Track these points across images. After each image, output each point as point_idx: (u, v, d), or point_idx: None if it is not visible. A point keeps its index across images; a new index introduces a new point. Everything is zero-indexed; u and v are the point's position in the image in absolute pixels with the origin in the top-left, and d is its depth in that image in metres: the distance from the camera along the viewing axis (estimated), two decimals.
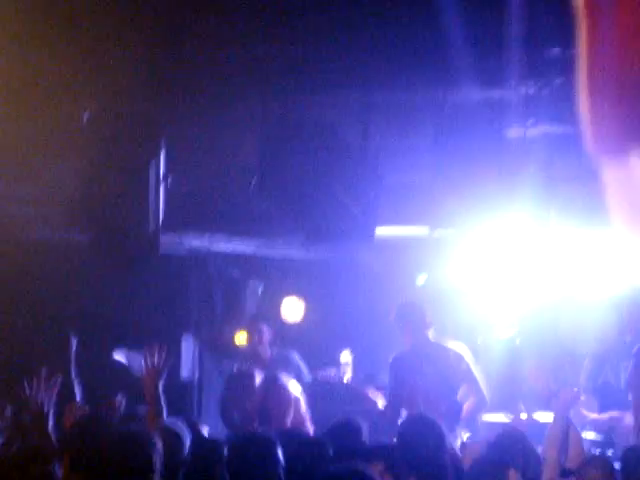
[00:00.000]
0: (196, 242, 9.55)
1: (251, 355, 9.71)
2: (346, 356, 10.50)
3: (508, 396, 9.17)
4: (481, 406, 8.79)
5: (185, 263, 9.66)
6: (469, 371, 8.72)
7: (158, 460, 5.25)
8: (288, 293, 10.58)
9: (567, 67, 6.16)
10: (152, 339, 9.61)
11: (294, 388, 8.31)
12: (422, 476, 5.67)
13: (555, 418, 6.52)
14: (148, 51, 6.17)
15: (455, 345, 8.88)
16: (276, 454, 5.51)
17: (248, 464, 5.44)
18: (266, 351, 9.72)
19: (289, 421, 8.11)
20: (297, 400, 8.30)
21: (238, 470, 5.46)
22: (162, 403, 6.39)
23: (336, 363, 10.45)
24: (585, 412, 9.19)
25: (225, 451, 5.67)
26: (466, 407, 8.74)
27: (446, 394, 8.52)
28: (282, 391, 8.19)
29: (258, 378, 8.40)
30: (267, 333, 9.80)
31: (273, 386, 8.21)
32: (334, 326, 10.14)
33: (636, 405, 9.23)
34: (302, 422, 8.26)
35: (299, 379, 9.32)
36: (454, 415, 8.47)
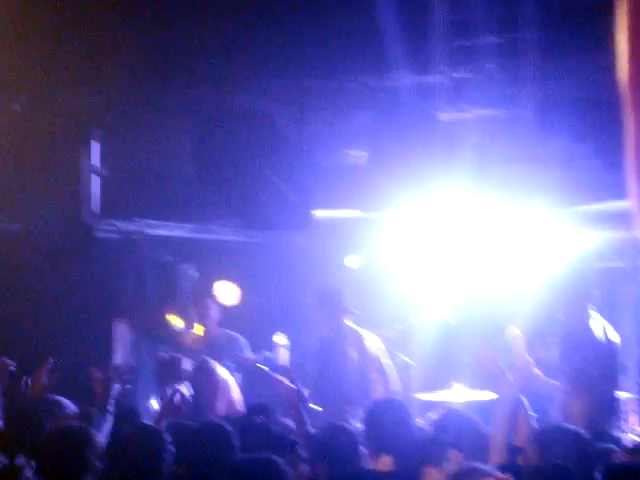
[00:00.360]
0: (130, 227, 9.51)
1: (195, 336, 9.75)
2: (280, 339, 10.51)
3: (443, 376, 9.27)
4: None
5: (119, 248, 9.60)
6: (380, 362, 8.79)
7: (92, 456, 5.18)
8: (222, 277, 10.56)
9: (498, 53, 6.26)
10: (86, 325, 9.62)
11: (222, 372, 8.31)
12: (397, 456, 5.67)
13: (503, 398, 6.51)
14: (80, 41, 6.11)
15: (369, 335, 8.99)
16: (164, 446, 5.42)
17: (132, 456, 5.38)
18: (213, 326, 9.71)
19: (221, 405, 8.12)
20: (226, 383, 8.31)
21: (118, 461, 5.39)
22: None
23: (271, 346, 10.47)
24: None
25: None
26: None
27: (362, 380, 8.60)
28: (211, 376, 8.18)
29: (187, 364, 8.36)
30: (214, 309, 9.79)
31: (202, 371, 8.19)
32: (269, 309, 10.15)
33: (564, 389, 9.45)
34: (232, 406, 8.27)
35: (242, 360, 9.37)
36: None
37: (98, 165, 6.99)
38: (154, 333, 10.15)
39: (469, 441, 5.92)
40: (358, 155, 8.16)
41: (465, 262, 9.47)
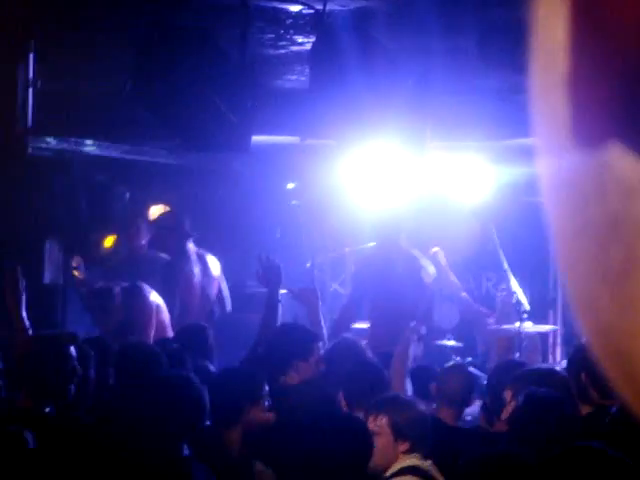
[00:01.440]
0: (62, 145, 9.36)
1: (124, 252, 9.72)
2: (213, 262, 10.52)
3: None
4: None
5: (51, 166, 9.45)
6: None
7: None
8: (155, 200, 10.48)
9: None
10: (13, 243, 9.48)
11: (154, 296, 8.29)
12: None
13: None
14: None
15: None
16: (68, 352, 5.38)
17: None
18: (141, 248, 9.69)
19: (152, 331, 8.11)
20: (158, 307, 8.30)
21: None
22: (25, 320, 6.20)
23: None
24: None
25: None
26: None
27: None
28: (143, 300, 8.16)
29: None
30: (144, 230, 9.74)
31: (133, 296, 8.16)
32: (203, 234, 10.10)
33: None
34: (164, 329, 8.28)
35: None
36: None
37: (32, 79, 6.83)
38: (86, 253, 10.05)
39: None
40: (296, 80, 8.11)
41: (395, 192, 9.52)
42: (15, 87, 6.78)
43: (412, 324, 7.03)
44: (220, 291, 9.59)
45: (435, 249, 10.10)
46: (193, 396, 4.84)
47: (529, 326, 9.38)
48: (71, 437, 4.99)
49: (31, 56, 6.74)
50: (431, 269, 9.25)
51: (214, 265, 9.50)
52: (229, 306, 9.60)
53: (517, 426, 4.84)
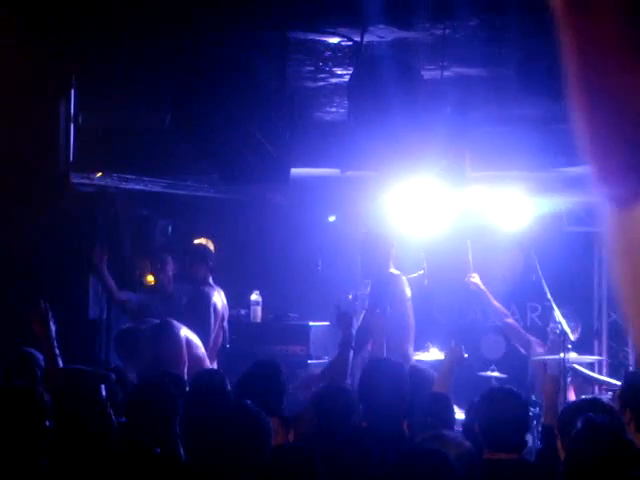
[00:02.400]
0: (105, 180, 9.43)
1: (155, 287, 9.76)
2: (256, 296, 10.53)
3: (420, 337, 9.33)
4: None
5: (93, 201, 9.52)
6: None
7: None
8: (198, 233, 10.53)
9: (481, 10, 6.20)
10: (60, 278, 9.54)
11: (184, 331, 8.27)
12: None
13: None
14: None
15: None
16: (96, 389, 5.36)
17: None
18: (169, 281, 9.72)
19: (184, 367, 8.08)
20: (189, 342, 8.27)
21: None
22: (55, 350, 6.22)
23: (247, 303, 10.48)
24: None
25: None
26: None
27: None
28: (172, 337, 8.14)
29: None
30: (170, 264, 9.78)
31: (162, 333, 8.15)
32: (245, 266, 10.12)
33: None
34: (200, 361, 8.26)
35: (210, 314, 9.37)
36: None
37: (74, 115, 6.90)
38: (129, 288, 10.10)
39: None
40: (336, 112, 8.12)
41: (438, 224, 9.50)
42: (57, 123, 6.85)
43: (452, 344, 7.23)
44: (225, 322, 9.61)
45: (473, 275, 10.08)
46: (266, 429, 4.86)
47: (574, 357, 9.30)
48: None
49: (72, 92, 6.81)
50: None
51: (223, 297, 9.56)
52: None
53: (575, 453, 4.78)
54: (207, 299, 9.31)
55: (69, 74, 6.75)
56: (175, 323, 8.28)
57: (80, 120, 6.93)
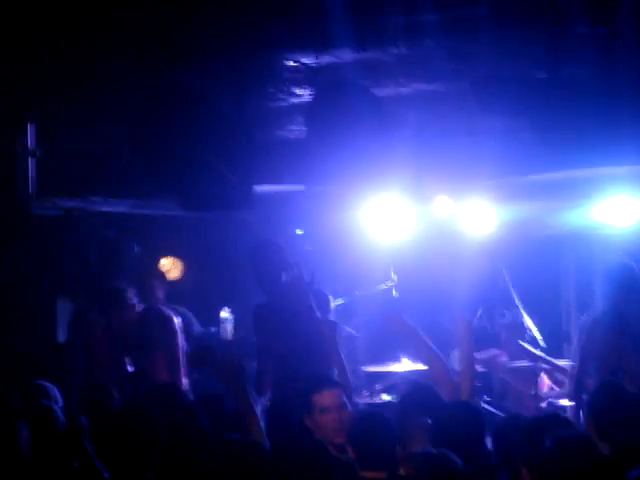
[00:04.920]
0: (70, 203, 9.41)
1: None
2: (225, 314, 10.50)
3: (389, 348, 9.36)
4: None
5: (59, 225, 9.50)
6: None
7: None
8: (165, 252, 10.51)
9: (438, 30, 6.26)
10: (28, 303, 9.53)
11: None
12: None
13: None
14: (14, 21, 6.01)
15: None
16: None
17: None
18: (162, 304, 9.63)
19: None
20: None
21: None
22: None
23: (216, 322, 10.45)
24: None
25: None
26: None
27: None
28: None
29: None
30: (159, 289, 9.68)
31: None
32: (214, 284, 10.13)
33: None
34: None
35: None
36: None
37: (33, 147, 6.90)
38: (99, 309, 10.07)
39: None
40: (297, 130, 8.14)
41: (403, 233, 9.55)
42: (14, 157, 6.85)
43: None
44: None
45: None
46: None
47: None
48: None
49: (31, 124, 6.81)
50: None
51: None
52: None
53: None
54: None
55: (25, 108, 6.75)
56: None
57: (40, 149, 6.93)
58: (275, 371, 7.61)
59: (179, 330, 8.85)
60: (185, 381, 8.61)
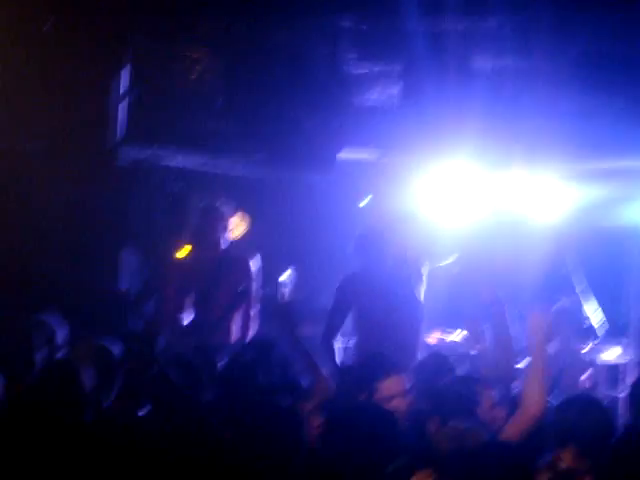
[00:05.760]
0: (144, 155, 9.46)
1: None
2: (285, 276, 10.53)
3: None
4: None
5: (132, 175, 9.57)
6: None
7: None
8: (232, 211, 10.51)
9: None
10: (93, 250, 9.62)
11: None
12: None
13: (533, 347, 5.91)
14: None
15: None
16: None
17: None
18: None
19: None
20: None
21: None
22: None
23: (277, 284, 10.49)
24: None
25: None
26: None
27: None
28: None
29: None
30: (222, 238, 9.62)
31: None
32: (280, 245, 10.15)
33: None
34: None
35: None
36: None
37: (127, 89, 6.94)
38: (162, 262, 10.14)
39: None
40: (392, 94, 8.12)
41: (471, 212, 9.52)
42: (108, 98, 6.89)
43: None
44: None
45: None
46: None
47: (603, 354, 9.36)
48: None
49: (126, 66, 6.85)
50: None
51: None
52: None
53: None
54: None
55: (124, 50, 6.79)
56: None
57: (134, 92, 6.96)
58: (361, 340, 7.71)
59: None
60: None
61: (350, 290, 8.33)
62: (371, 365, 6.05)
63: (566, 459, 4.79)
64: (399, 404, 5.75)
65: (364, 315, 8.04)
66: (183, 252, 10.12)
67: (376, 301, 7.98)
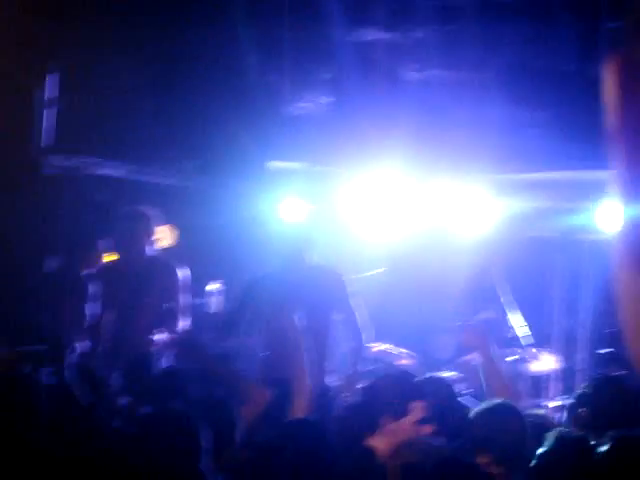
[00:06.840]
0: (70, 163, 9.36)
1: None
2: (213, 286, 10.50)
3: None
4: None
5: (59, 184, 9.46)
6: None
7: None
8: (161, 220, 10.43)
9: (469, 14, 6.31)
10: (19, 263, 9.49)
11: None
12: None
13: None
14: None
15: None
16: None
17: None
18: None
19: None
20: None
21: None
22: None
23: (202, 294, 10.45)
24: None
25: None
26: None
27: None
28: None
29: None
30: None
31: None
32: (205, 256, 10.10)
33: None
34: None
35: None
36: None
37: (53, 97, 6.86)
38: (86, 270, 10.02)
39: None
40: (320, 103, 8.15)
41: (402, 223, 9.58)
42: (33, 106, 6.81)
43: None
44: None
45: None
46: None
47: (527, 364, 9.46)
48: None
49: (53, 74, 6.78)
50: None
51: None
52: None
53: None
54: None
55: (48, 59, 6.71)
56: None
57: (61, 101, 6.89)
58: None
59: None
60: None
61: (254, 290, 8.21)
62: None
63: (483, 465, 4.84)
64: None
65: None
66: (108, 259, 10.03)
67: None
